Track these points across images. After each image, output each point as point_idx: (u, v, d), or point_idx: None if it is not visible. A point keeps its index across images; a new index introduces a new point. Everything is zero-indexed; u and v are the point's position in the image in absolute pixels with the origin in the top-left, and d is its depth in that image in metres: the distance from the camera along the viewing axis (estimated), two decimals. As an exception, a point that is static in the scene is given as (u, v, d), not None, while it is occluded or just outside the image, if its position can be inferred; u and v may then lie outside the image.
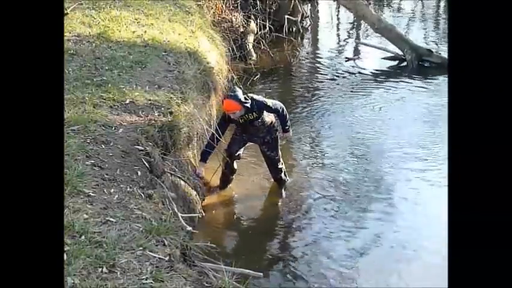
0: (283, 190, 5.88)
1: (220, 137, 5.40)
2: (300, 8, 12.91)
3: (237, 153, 5.72)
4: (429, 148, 6.86)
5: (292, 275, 4.54)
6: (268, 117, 5.61)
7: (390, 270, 4.57)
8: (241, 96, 5.26)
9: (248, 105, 5.28)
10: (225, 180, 5.87)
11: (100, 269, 2.64)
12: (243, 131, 5.63)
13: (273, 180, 5.94)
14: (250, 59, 10.22)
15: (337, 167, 6.40)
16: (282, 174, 5.88)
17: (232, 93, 5.29)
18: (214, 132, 5.42)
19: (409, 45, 10.52)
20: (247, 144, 5.86)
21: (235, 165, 5.81)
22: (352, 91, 9.25)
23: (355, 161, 6.61)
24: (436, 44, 12.19)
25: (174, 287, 2.68)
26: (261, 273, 3.78)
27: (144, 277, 2.66)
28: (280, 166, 5.84)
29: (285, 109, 5.61)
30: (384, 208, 5.53)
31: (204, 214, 5.29)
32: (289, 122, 5.72)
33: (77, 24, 6.62)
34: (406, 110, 8.32)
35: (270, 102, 5.53)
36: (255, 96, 5.47)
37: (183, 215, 4.11)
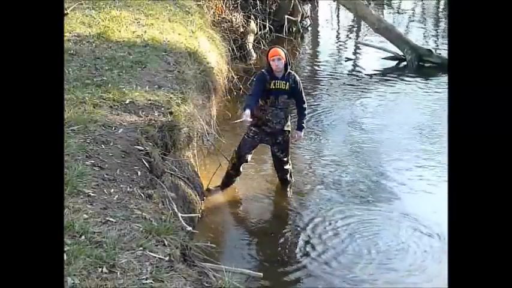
0: (286, 191, 5.88)
1: (258, 94, 5.39)
2: (300, 8, 12.91)
3: (246, 156, 5.69)
4: (429, 148, 6.87)
5: (293, 276, 4.53)
6: (288, 111, 5.68)
7: (393, 271, 4.57)
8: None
9: (289, 68, 5.47)
10: (228, 181, 5.85)
11: (100, 269, 2.63)
12: (263, 115, 5.52)
13: (277, 179, 5.93)
14: (250, 59, 10.22)
15: (338, 167, 6.40)
16: (288, 176, 5.88)
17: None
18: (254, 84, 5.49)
19: (409, 45, 10.52)
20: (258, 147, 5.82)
21: (241, 168, 5.79)
22: (351, 91, 9.25)
23: (356, 160, 6.60)
24: (436, 44, 12.20)
25: (174, 287, 2.68)
26: (261, 274, 3.77)
27: (144, 277, 2.66)
28: (287, 167, 5.83)
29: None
30: (387, 208, 5.52)
31: (204, 214, 5.28)
32: (306, 120, 5.90)
33: (77, 24, 6.63)
34: (405, 110, 8.32)
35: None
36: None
37: (183, 215, 4.10)
